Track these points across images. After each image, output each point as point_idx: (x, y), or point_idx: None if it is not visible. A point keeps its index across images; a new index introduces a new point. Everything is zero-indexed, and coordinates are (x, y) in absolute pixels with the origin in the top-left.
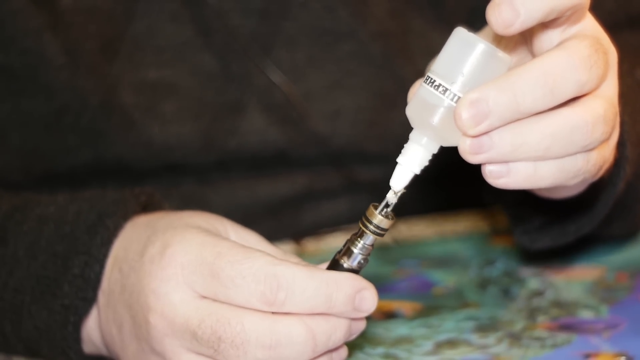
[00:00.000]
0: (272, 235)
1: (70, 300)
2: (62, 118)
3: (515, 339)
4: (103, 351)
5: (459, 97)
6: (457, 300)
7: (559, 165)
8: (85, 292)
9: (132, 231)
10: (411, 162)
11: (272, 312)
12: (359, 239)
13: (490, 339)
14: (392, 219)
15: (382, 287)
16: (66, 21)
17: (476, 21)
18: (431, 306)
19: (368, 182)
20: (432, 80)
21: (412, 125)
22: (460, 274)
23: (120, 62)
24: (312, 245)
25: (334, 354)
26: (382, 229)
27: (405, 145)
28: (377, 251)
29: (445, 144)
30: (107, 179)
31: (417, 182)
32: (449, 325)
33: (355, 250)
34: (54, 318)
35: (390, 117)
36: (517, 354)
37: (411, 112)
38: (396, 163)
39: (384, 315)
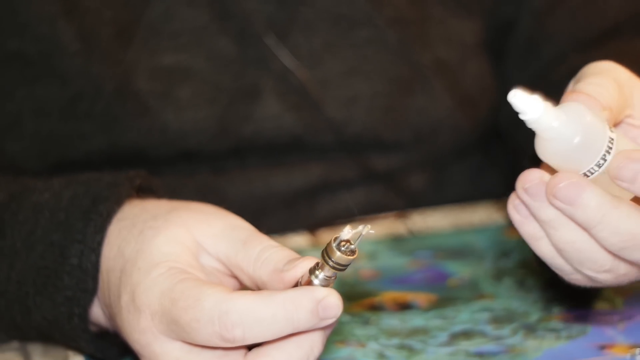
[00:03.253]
0: (287, 226)
1: (73, 292)
2: (76, 105)
3: (530, 330)
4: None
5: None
6: (472, 292)
7: None
8: (86, 283)
9: (124, 220)
10: None
11: (244, 357)
12: (319, 270)
13: (506, 330)
14: (353, 254)
15: (397, 278)
16: (81, 7)
17: (500, 4)
18: (446, 297)
19: (384, 171)
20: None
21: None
22: (475, 266)
23: (135, 48)
24: (327, 236)
25: None
26: (342, 265)
27: None
28: (391, 242)
29: None
30: (122, 167)
31: (433, 174)
32: (464, 316)
33: (316, 282)
34: (59, 310)
35: (406, 104)
36: (533, 345)
37: None
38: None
39: (399, 307)
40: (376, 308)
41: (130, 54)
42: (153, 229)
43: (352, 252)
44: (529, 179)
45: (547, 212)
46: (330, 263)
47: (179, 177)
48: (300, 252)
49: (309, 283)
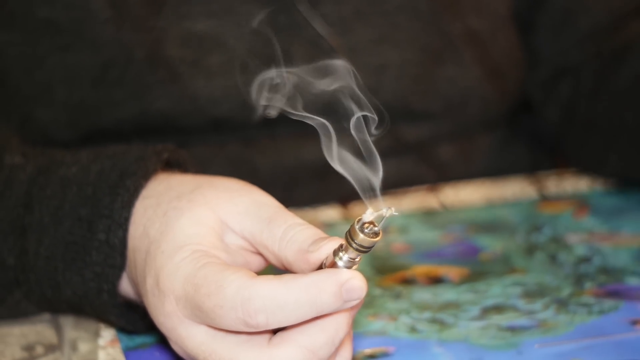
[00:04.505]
0: (319, 198)
1: (101, 268)
2: (107, 72)
3: (562, 305)
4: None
5: None
6: (504, 266)
7: None
8: (113, 259)
9: (149, 199)
10: None
11: (269, 342)
12: (343, 252)
13: (537, 305)
14: (377, 236)
15: (429, 252)
16: None
17: None
18: (478, 272)
19: (414, 141)
20: None
21: None
22: (507, 240)
23: (166, 15)
24: (358, 209)
25: (340, 351)
26: (366, 247)
27: None
28: (423, 216)
29: None
30: (152, 136)
31: (462, 145)
32: (495, 290)
33: (340, 263)
34: (88, 286)
35: (436, 73)
36: (564, 320)
37: None
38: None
39: (431, 281)
40: (408, 282)
41: (161, 21)
42: (177, 210)
43: (376, 234)
44: None
45: None
46: (354, 245)
47: (209, 149)
48: (332, 225)
49: (333, 265)
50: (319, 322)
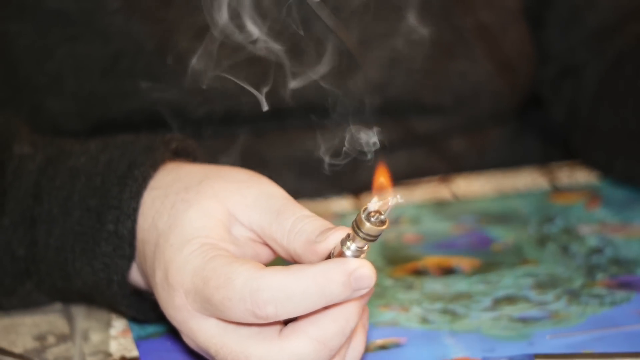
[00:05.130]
0: (330, 190)
1: (110, 259)
2: (117, 63)
3: (574, 296)
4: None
5: None
6: (516, 257)
7: None
8: (123, 250)
9: (157, 189)
10: None
11: (280, 333)
12: (350, 241)
13: (549, 295)
14: (383, 224)
15: (441, 242)
16: None
17: None
18: (490, 262)
19: (425, 134)
20: None
21: None
22: (519, 231)
23: (176, 6)
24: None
25: (352, 342)
26: (372, 236)
27: None
28: (435, 206)
29: None
30: (162, 127)
31: (474, 138)
32: (507, 281)
33: (348, 253)
34: (98, 276)
35: (447, 67)
36: (576, 311)
37: None
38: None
39: (442, 271)
40: (420, 272)
41: (172, 11)
42: (185, 202)
43: (382, 222)
44: None
45: None
46: (361, 234)
47: (219, 140)
48: (343, 215)
49: (341, 254)
50: (329, 312)
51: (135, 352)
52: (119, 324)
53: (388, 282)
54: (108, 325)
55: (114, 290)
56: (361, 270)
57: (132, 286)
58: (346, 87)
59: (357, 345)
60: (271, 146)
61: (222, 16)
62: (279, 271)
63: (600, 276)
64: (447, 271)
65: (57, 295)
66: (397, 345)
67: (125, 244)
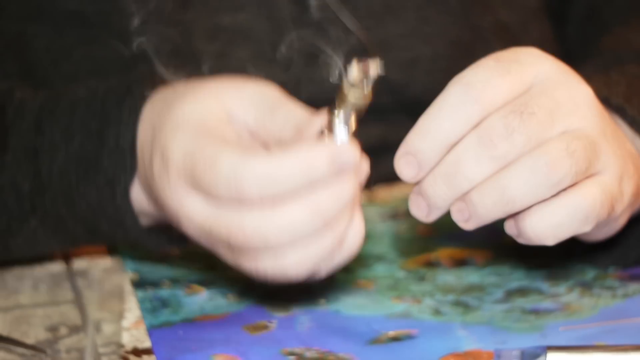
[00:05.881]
0: None
1: (113, 172)
2: (135, 65)
3: (586, 288)
4: (158, 216)
5: None
6: (528, 249)
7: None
8: (124, 161)
9: (156, 102)
10: None
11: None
12: (336, 116)
13: (561, 287)
14: (365, 86)
15: (453, 234)
16: None
17: None
18: (502, 254)
19: None
20: None
21: None
22: None
23: (194, 8)
24: (384, 193)
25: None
26: (357, 102)
27: None
28: None
29: None
30: None
31: None
32: (520, 273)
33: (337, 130)
34: (102, 194)
35: (466, 67)
36: (588, 303)
37: None
38: None
39: (454, 263)
40: (432, 264)
41: (189, 13)
42: (180, 97)
43: (363, 85)
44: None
45: None
46: (346, 104)
47: None
48: None
49: (330, 132)
50: (324, 183)
51: (147, 343)
52: (131, 316)
53: (400, 274)
54: (120, 316)
55: (117, 204)
56: (343, 146)
57: (136, 206)
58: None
59: (358, 225)
60: None
61: (240, 17)
62: (263, 157)
63: (612, 268)
64: (460, 263)
65: (62, 231)
66: (409, 337)
67: (126, 155)
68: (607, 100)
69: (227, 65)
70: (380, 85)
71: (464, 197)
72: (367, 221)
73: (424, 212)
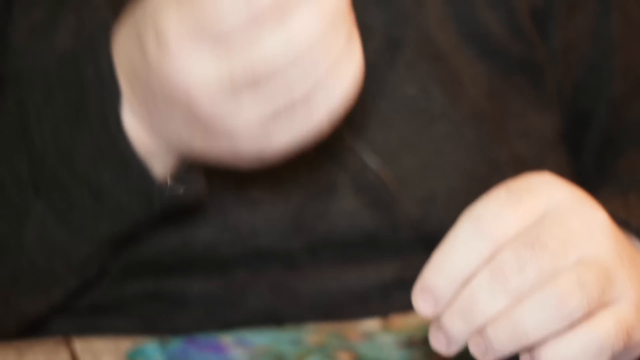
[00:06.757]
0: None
1: (101, 107)
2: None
3: None
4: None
5: None
6: None
7: None
8: (109, 90)
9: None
10: None
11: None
12: None
13: None
14: None
15: None
16: None
17: (580, 97)
18: None
19: None
20: None
21: None
22: None
23: None
24: (399, 320)
25: None
26: None
27: None
28: None
29: None
30: (193, 266)
31: None
32: None
33: None
34: (97, 137)
35: None
36: None
37: None
38: None
39: None
40: None
41: None
42: None
43: None
44: None
45: None
46: None
47: (248, 273)
48: (371, 335)
49: None
50: None
51: None
52: None
53: None
54: None
55: (112, 134)
56: None
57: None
58: (381, 223)
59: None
60: (302, 279)
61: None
62: None
63: None
64: None
65: (68, 210)
66: None
67: (110, 82)
68: (627, 223)
69: (242, 202)
70: (397, 221)
71: (480, 330)
72: (383, 349)
73: (444, 346)
